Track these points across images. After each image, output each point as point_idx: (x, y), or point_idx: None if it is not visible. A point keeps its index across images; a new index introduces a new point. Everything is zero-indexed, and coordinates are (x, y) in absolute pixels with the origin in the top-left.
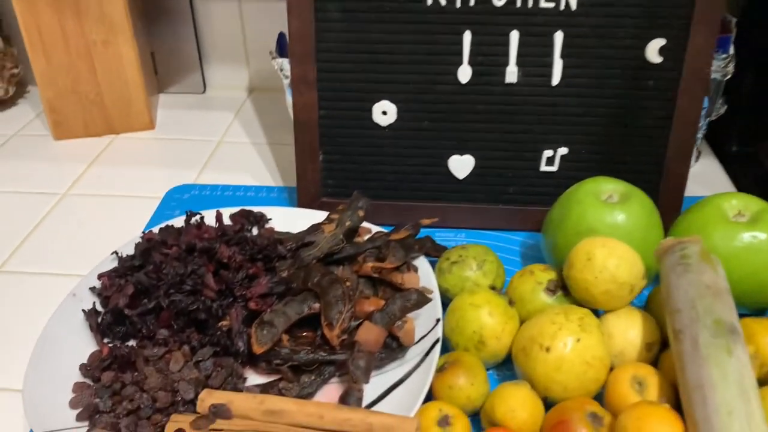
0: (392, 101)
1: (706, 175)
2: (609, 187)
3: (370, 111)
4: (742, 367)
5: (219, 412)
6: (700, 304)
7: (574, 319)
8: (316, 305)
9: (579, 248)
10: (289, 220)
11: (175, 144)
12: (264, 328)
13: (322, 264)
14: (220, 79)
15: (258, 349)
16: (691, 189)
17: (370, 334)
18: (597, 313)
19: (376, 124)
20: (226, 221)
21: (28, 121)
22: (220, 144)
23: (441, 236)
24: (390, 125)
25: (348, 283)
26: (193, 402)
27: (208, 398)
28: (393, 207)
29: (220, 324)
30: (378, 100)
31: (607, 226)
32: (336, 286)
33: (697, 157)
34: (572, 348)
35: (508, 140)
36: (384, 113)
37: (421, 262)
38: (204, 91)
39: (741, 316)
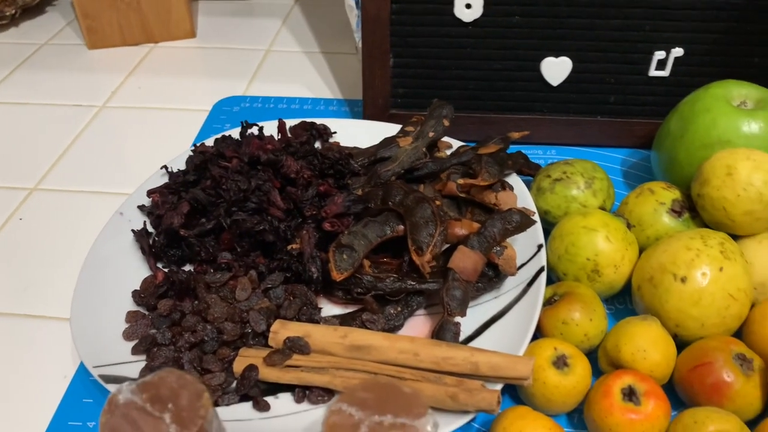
0: None
1: None
2: (741, 91)
3: (451, 4)
4: None
5: (295, 346)
6: None
7: (714, 244)
8: (400, 227)
9: (716, 161)
10: (355, 134)
11: (220, 53)
12: (343, 252)
13: (404, 182)
14: None
15: (338, 276)
16: None
17: (466, 260)
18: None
19: (458, 20)
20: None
21: (60, 29)
22: (269, 53)
23: (528, 153)
24: (474, 21)
25: (438, 202)
26: (264, 335)
27: (282, 330)
28: (474, 119)
29: (289, 247)
30: None
31: (743, 138)
32: (424, 205)
33: None
34: (713, 278)
35: (613, 39)
36: (468, 6)
37: (515, 181)
38: None
39: None
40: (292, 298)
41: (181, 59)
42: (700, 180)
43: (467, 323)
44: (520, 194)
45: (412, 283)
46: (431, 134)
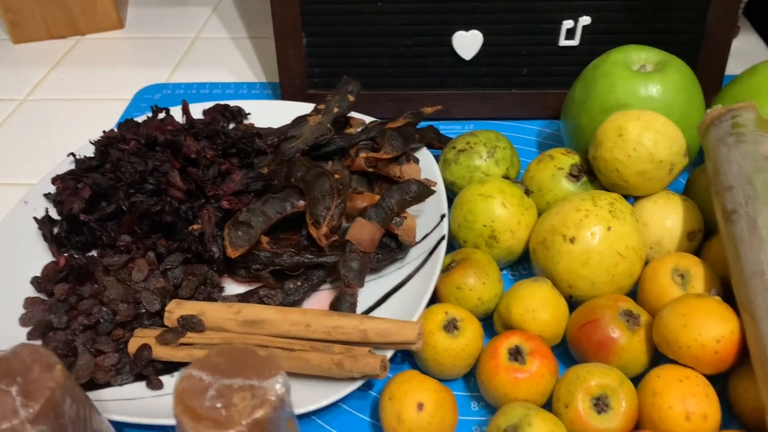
0: None
1: (746, 52)
2: (641, 55)
3: None
4: None
5: (189, 324)
6: (758, 179)
7: (604, 204)
8: (301, 203)
9: (609, 123)
10: (272, 115)
11: (147, 43)
12: (239, 229)
13: (308, 158)
14: None
15: (232, 253)
16: (730, 68)
17: (363, 231)
18: (629, 200)
19: None
20: (199, 117)
21: None
22: (196, 40)
23: (447, 129)
24: None
25: (337, 176)
26: (160, 314)
27: (176, 309)
28: (391, 97)
29: (190, 228)
30: None
31: (641, 100)
32: (323, 179)
33: (736, 33)
34: (602, 238)
35: (521, 9)
36: None
37: (424, 154)
38: None
39: None
40: (191, 278)
41: (108, 50)
42: (595, 143)
43: (372, 294)
44: (428, 167)
45: (310, 256)
46: (336, 110)
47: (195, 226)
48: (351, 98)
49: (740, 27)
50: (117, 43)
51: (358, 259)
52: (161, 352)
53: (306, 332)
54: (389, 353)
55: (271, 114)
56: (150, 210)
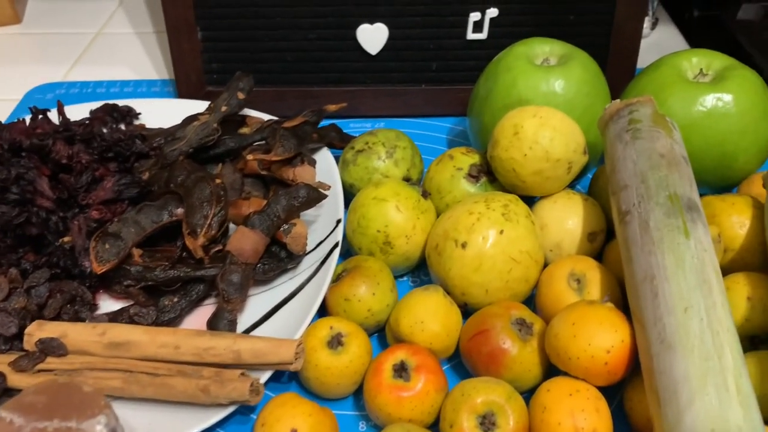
0: None
1: (663, 44)
2: (545, 49)
3: None
4: (703, 251)
5: (48, 348)
6: (651, 177)
7: (497, 207)
8: (179, 211)
9: (505, 120)
10: (168, 115)
11: (45, 39)
12: (106, 242)
13: (194, 161)
14: None
15: (98, 268)
16: (647, 60)
17: (245, 241)
18: (531, 201)
19: None
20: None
21: None
22: (98, 36)
23: (356, 127)
24: None
25: (219, 181)
26: (20, 338)
27: (37, 332)
28: (297, 93)
29: (60, 240)
30: None
31: (542, 96)
32: (202, 185)
33: (654, 24)
34: (494, 242)
35: (426, 2)
36: None
37: (324, 155)
38: None
39: (701, 195)
40: (57, 296)
41: (0, 47)
42: (492, 141)
43: (260, 308)
44: (327, 169)
45: (187, 270)
46: (224, 108)
47: (65, 239)
48: (241, 96)
49: (658, 18)
50: (11, 39)
51: (238, 272)
52: (17, 380)
53: (175, 355)
54: (265, 375)
55: (167, 114)
56: (12, 222)
